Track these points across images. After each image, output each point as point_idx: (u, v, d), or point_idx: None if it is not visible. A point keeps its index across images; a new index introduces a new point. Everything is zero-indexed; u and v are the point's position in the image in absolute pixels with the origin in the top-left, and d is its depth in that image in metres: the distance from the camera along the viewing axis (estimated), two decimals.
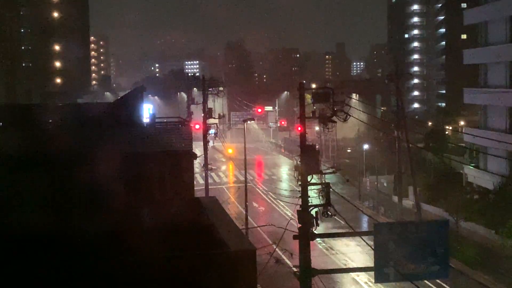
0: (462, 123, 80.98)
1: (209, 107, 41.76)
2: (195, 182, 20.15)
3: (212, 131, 42.59)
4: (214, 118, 42.72)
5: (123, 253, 12.37)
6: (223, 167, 79.64)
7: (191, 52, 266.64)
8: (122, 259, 12.16)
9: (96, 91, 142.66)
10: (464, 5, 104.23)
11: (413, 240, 17.77)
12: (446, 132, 77.95)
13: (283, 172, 75.44)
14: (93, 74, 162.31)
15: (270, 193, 59.74)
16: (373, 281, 18.58)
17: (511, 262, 34.67)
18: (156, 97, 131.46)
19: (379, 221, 38.77)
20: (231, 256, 12.98)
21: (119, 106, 16.60)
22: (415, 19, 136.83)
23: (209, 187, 42.70)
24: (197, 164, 43.34)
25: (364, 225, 46.64)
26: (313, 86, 71.34)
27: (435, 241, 17.93)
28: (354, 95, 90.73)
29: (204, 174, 42.78)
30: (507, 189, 39.77)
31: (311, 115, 18.91)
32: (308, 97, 19.62)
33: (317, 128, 78.39)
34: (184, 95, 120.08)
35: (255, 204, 54.53)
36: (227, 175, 74.80)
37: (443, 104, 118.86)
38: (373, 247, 17.89)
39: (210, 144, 50.27)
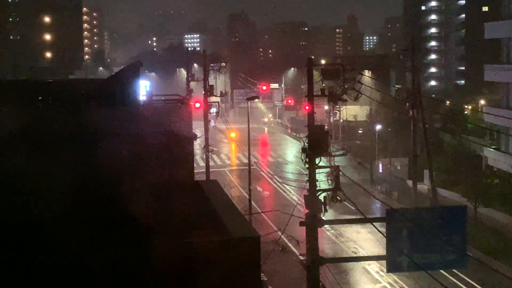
0: (482, 102, 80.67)
1: (210, 84, 41.68)
2: (195, 165, 20.22)
3: (213, 110, 42.54)
4: (216, 96, 42.67)
5: (119, 240, 12.42)
6: (225, 149, 79.77)
7: (191, 25, 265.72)
8: (119, 247, 12.21)
9: (89, 66, 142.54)
10: None
11: (428, 227, 17.79)
12: (465, 112, 77.77)
13: (290, 154, 75.49)
14: (86, 48, 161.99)
15: (275, 176, 59.87)
16: (385, 270, 18.66)
17: None
18: (153, 73, 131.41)
19: (392, 206, 38.83)
20: (233, 244, 13.00)
21: (113, 83, 16.59)
22: None
23: (210, 170, 42.79)
24: (197, 145, 43.46)
25: (376, 211, 46.73)
26: (323, 62, 71.18)
27: (451, 229, 17.96)
28: (366, 72, 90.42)
29: (204, 156, 42.83)
30: None
31: (319, 93, 18.85)
32: (317, 74, 19.55)
33: (326, 107, 78.27)
34: (183, 71, 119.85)
35: (259, 188, 54.65)
36: (229, 157, 74.93)
37: (462, 82, 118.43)
38: (385, 235, 17.93)
39: (212, 124, 50.33)
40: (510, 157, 45.20)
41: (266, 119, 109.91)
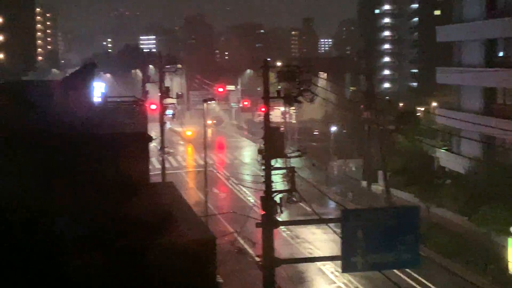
0: (434, 104, 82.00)
1: (166, 86, 41.45)
2: (150, 167, 20.04)
3: (169, 111, 42.31)
4: (172, 97, 42.45)
5: (72, 245, 12.26)
6: (182, 151, 79.42)
7: (147, 26, 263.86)
8: (72, 252, 12.05)
9: (43, 67, 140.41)
10: None
11: (382, 227, 17.97)
12: (418, 114, 78.87)
13: (246, 156, 75.55)
14: (39, 49, 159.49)
15: (232, 178, 59.85)
16: (340, 270, 18.79)
17: (483, 250, 35.39)
18: (108, 74, 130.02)
19: (347, 207, 39.17)
20: (189, 246, 12.97)
21: (67, 85, 16.39)
22: None
23: (166, 172, 42.54)
24: (153, 147, 43.14)
25: (332, 212, 47.07)
26: (278, 64, 71.42)
27: (405, 229, 18.16)
28: (321, 74, 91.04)
29: (160, 158, 42.58)
30: (481, 173, 40.49)
31: (275, 95, 18.91)
32: (273, 76, 19.61)
33: (282, 109, 78.53)
34: (139, 73, 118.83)
35: (215, 190, 54.56)
36: (185, 159, 74.64)
37: (415, 84, 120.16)
38: (340, 235, 18.06)
39: (168, 125, 50.03)
40: (461, 158, 45.98)
41: (210, 121, 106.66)
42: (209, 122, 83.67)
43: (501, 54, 46.38)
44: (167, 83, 43.30)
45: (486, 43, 46.88)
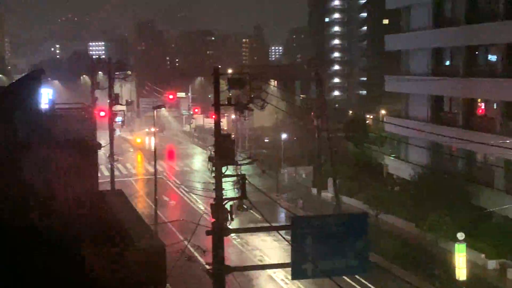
0: (383, 112, 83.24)
1: (115, 92, 41.07)
2: (99, 175, 19.81)
3: (119, 118, 41.94)
4: (121, 104, 42.11)
5: (19, 253, 12.01)
6: (131, 158, 78.70)
7: (96, 32, 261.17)
8: (19, 259, 11.81)
9: None
10: None
11: (332, 234, 18.11)
12: (367, 121, 79.89)
13: (197, 163, 75.30)
14: None
15: (182, 185, 59.53)
16: (290, 277, 18.84)
17: (431, 256, 35.97)
18: (56, 81, 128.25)
19: (297, 214, 39.35)
20: (138, 254, 12.84)
21: (13, 91, 16.08)
22: (336, 2, 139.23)
23: (115, 179, 42.10)
24: (102, 155, 42.66)
25: (282, 219, 47.23)
26: (229, 71, 71.49)
27: (354, 235, 18.33)
28: (272, 81, 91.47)
29: (109, 165, 42.12)
30: (428, 180, 41.17)
31: (226, 102, 18.90)
32: (224, 83, 19.61)
33: (233, 116, 78.63)
34: (88, 79, 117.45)
35: (165, 198, 54.20)
36: (135, 166, 73.99)
37: (365, 92, 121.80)
38: (290, 242, 18.12)
39: (117, 133, 49.59)
40: (409, 165, 46.72)
41: (153, 129, 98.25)
42: (152, 129, 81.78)
43: (447, 63, 47.34)
44: (116, 89, 42.89)
45: (433, 52, 47.79)
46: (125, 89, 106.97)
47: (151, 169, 56.23)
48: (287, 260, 18.99)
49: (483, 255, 35.70)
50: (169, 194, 57.10)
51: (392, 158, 53.89)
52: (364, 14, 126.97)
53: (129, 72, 44.26)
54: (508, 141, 32.81)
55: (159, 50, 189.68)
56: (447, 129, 42.51)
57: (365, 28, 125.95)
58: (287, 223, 30.30)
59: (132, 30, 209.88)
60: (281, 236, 20.02)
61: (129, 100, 47.35)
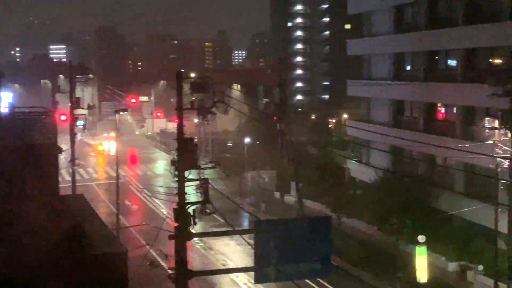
0: (345, 116, 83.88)
1: (77, 96, 40.63)
2: (60, 179, 19.56)
3: (80, 122, 41.45)
4: (83, 108, 41.62)
5: None
6: (93, 162, 77.92)
7: (57, 35, 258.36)
8: None
9: None
10: None
11: (295, 238, 18.15)
12: (330, 126, 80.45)
13: (159, 168, 74.91)
14: None
15: (144, 190, 59.16)
16: (253, 281, 18.84)
17: (392, 259, 36.28)
18: (16, 84, 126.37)
19: (260, 218, 39.38)
20: (99, 259, 12.73)
21: None
22: (299, 7, 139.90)
23: (77, 184, 41.62)
24: (63, 159, 42.17)
25: (245, 223, 47.23)
26: (192, 75, 71.25)
27: (317, 239, 18.39)
28: (235, 86, 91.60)
29: (70, 170, 41.64)
30: (389, 184, 41.56)
31: (189, 106, 18.84)
32: (187, 87, 19.55)
33: (196, 120, 78.38)
34: (48, 83, 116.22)
35: (127, 203, 53.79)
36: (96, 171, 73.28)
37: (327, 96, 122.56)
38: (253, 246, 18.12)
39: (78, 137, 48.96)
40: (371, 168, 47.11)
41: (106, 134, 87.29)
42: (112, 134, 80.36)
43: (408, 68, 47.93)
44: (78, 93, 42.42)
45: (394, 57, 48.33)
46: (87, 93, 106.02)
47: (113, 174, 55.82)
48: (250, 264, 19.00)
49: (443, 258, 36.18)
50: (131, 199, 56.68)
51: (354, 162, 54.31)
52: (327, 19, 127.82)
53: (91, 76, 43.88)
54: (467, 145, 33.33)
55: (121, 53, 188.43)
56: (408, 133, 43.03)
57: (327, 33, 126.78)
58: (250, 227, 30.34)
59: (93, 33, 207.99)
60: (244, 240, 20.03)
61: (91, 104, 46.80)
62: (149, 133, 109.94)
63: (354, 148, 60.90)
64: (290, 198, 53.29)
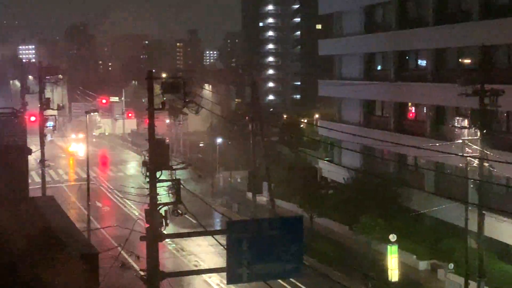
0: (317, 116, 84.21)
1: (46, 97, 40.27)
2: (30, 181, 19.37)
3: (50, 123, 41.07)
4: (53, 109, 41.26)
5: None
6: (63, 164, 77.25)
7: (26, 35, 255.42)
8: None
9: None
10: None
11: (267, 238, 18.17)
12: (301, 125, 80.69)
13: (131, 168, 74.51)
14: None
15: (116, 191, 58.78)
16: (226, 282, 18.82)
17: (364, 258, 36.55)
18: None
19: (232, 218, 39.37)
20: (70, 261, 12.61)
21: None
22: (270, 7, 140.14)
23: (47, 186, 41.22)
24: (33, 160, 41.74)
25: (217, 223, 47.18)
26: (163, 75, 71.02)
27: (289, 239, 18.43)
28: (207, 86, 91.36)
29: (40, 171, 41.24)
30: (360, 183, 41.84)
31: (160, 107, 18.77)
32: (158, 87, 19.47)
33: (167, 120, 78.14)
34: (17, 83, 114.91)
35: (98, 204, 53.42)
36: (67, 172, 72.66)
37: (299, 96, 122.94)
38: (225, 247, 18.11)
39: (48, 138, 48.54)
40: (342, 168, 47.37)
41: (74, 135, 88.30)
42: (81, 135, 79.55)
43: (379, 67, 48.30)
44: (47, 94, 42.03)
45: (364, 57, 48.68)
46: (57, 94, 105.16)
47: (84, 175, 55.39)
48: (223, 264, 18.97)
49: (414, 256, 36.51)
50: (103, 200, 56.31)
51: (326, 161, 54.57)
52: (298, 19, 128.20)
53: (61, 76, 43.48)
54: (437, 144, 33.68)
55: (92, 53, 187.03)
56: (379, 133, 43.38)
57: (298, 33, 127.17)
58: (222, 228, 30.32)
59: (63, 33, 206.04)
60: (216, 240, 20.01)
61: (61, 105, 46.40)
62: (106, 133, 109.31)
63: (326, 148, 61.17)
64: (262, 198, 53.31)
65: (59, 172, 71.48)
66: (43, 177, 40.09)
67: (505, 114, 33.81)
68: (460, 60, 39.07)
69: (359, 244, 38.86)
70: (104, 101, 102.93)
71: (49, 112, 40.44)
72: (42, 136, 39.43)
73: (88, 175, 41.65)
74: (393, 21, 44.53)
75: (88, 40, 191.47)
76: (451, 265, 32.55)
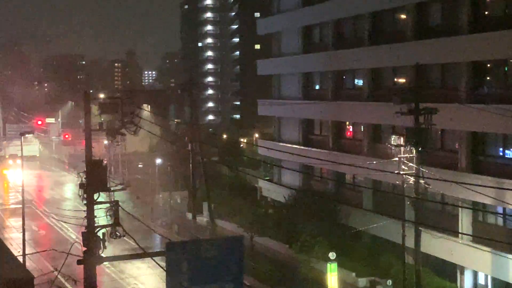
0: (256, 135, 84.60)
1: None
2: None
3: None
4: None
5: None
6: None
7: None
8: None
9: None
10: (257, 14, 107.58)
11: (207, 258, 18.13)
12: (241, 145, 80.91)
13: (67, 191, 73.22)
14: None
15: (52, 214, 57.62)
16: None
17: (304, 276, 36.73)
18: None
19: (172, 239, 39.04)
20: (5, 286, 12.33)
21: None
22: (209, 27, 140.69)
23: None
24: None
25: (157, 245, 46.71)
26: (101, 96, 70.26)
27: (229, 258, 18.44)
28: (145, 106, 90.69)
29: None
30: (300, 202, 42.16)
31: (98, 128, 18.60)
32: (96, 108, 19.29)
33: (105, 141, 77.19)
34: None
35: (34, 228, 52.32)
36: (1, 195, 70.88)
37: (238, 116, 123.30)
38: (165, 268, 17.97)
39: None
40: (282, 187, 47.64)
41: (11, 161, 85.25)
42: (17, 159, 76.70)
43: (317, 87, 48.91)
44: None
45: (303, 76, 49.24)
46: None
47: (20, 198, 54.11)
48: (163, 286, 18.85)
49: (354, 274, 36.86)
50: (39, 223, 55.16)
51: (266, 181, 54.80)
52: (237, 39, 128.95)
53: None
54: (374, 162, 34.25)
55: (27, 74, 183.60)
56: (318, 152, 43.85)
57: (237, 53, 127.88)
58: (162, 249, 30.01)
59: None
60: (156, 262, 19.82)
61: None
62: (38, 155, 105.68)
63: (266, 168, 61.43)
64: (203, 219, 53.16)
65: None
66: None
67: (439, 132, 34.63)
68: (395, 79, 39.93)
69: (299, 263, 39.05)
70: (40, 122, 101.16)
71: None
72: None
73: (23, 198, 40.77)
74: (330, 41, 45.25)
75: (23, 60, 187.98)
76: (390, 282, 33.02)
